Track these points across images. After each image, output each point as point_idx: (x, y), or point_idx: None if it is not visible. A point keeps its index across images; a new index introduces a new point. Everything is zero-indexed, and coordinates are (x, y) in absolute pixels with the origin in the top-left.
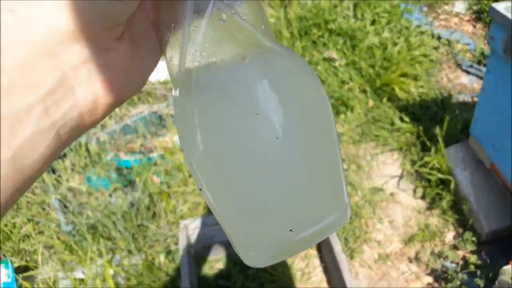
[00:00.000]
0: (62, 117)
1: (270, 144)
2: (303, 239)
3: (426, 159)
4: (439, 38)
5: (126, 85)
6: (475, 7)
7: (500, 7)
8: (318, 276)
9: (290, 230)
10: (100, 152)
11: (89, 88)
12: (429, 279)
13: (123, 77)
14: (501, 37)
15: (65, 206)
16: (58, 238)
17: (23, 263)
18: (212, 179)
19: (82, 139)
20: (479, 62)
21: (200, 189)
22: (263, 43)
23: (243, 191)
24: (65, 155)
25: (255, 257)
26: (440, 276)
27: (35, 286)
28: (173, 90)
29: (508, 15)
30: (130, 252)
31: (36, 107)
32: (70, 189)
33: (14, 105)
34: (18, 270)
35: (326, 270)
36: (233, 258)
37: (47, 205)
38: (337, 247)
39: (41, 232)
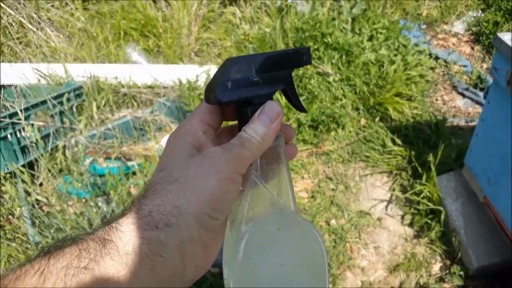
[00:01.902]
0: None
1: (280, 274)
2: None
3: (417, 186)
4: (436, 58)
5: (212, 260)
6: (474, 29)
7: (506, 37)
8: None
9: None
10: (77, 158)
11: (193, 270)
12: None
13: (213, 255)
14: (505, 68)
15: (35, 216)
16: (24, 252)
17: None
18: (240, 281)
19: (59, 143)
20: (475, 85)
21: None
22: (288, 213)
23: None
24: (39, 158)
25: None
26: None
27: None
28: (228, 224)
29: None
30: None
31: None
32: (39, 200)
33: (160, 276)
34: None
35: None
36: (209, 281)
37: (12, 215)
38: None
39: (6, 242)
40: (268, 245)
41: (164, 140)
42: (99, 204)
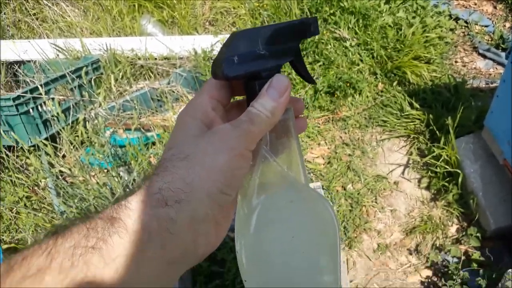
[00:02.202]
0: (184, 263)
1: (291, 246)
2: None
3: (435, 150)
4: (457, 19)
5: (223, 237)
6: None
7: None
8: None
9: None
10: (97, 130)
11: (203, 248)
12: (428, 273)
13: (224, 232)
14: None
15: (59, 187)
16: (50, 221)
17: (13, 245)
18: (252, 254)
19: (80, 115)
20: (497, 46)
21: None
22: (299, 186)
23: (270, 268)
24: (61, 131)
25: None
26: (440, 270)
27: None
28: (239, 199)
29: None
30: None
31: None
32: (62, 171)
33: (171, 254)
34: (7, 252)
35: None
36: (228, 245)
37: (37, 186)
38: None
39: (33, 212)
40: (279, 218)
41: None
42: (121, 174)
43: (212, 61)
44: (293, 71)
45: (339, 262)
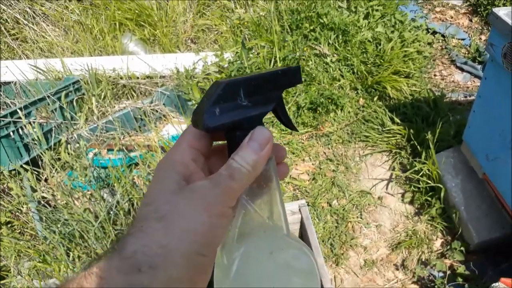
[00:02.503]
0: None
1: None
2: None
3: (417, 165)
4: (434, 32)
5: None
6: (472, 0)
7: (501, 12)
8: None
9: None
10: (79, 153)
11: None
12: None
13: None
14: (501, 44)
15: (41, 212)
16: (34, 246)
17: None
18: None
19: (62, 137)
20: (474, 59)
21: None
22: (280, 236)
23: None
24: (42, 154)
25: None
26: (426, 285)
27: None
28: (219, 247)
29: (509, 21)
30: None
31: None
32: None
33: None
34: None
35: None
36: None
37: (20, 212)
38: (320, 260)
39: (15, 237)
40: (259, 270)
41: (165, 129)
42: (104, 196)
43: (194, 79)
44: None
45: None
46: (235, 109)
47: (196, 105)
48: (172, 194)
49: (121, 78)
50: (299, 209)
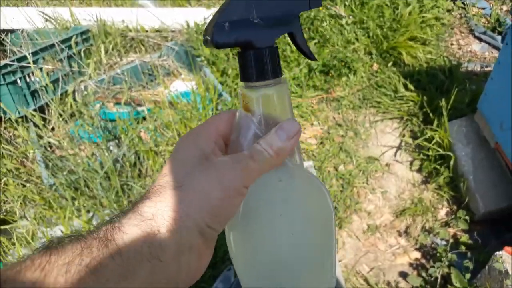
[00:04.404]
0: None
1: (284, 240)
2: None
3: (428, 132)
4: (454, 0)
5: (204, 269)
6: None
7: None
8: None
9: None
10: (86, 102)
11: (187, 276)
12: (417, 255)
13: (205, 265)
14: None
15: (48, 159)
16: (39, 193)
17: (1, 216)
18: (244, 254)
19: (69, 87)
20: (493, 29)
21: (232, 258)
22: (291, 165)
23: (262, 266)
24: (50, 102)
25: None
26: (428, 252)
27: (12, 240)
28: None
29: None
30: (112, 212)
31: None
32: (51, 143)
33: (158, 280)
34: None
35: None
36: None
37: (26, 158)
38: None
39: (22, 185)
40: (269, 199)
41: (173, 85)
42: (110, 148)
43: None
44: (287, 46)
45: (335, 254)
46: (246, 26)
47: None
48: (192, 167)
49: (130, 30)
50: None
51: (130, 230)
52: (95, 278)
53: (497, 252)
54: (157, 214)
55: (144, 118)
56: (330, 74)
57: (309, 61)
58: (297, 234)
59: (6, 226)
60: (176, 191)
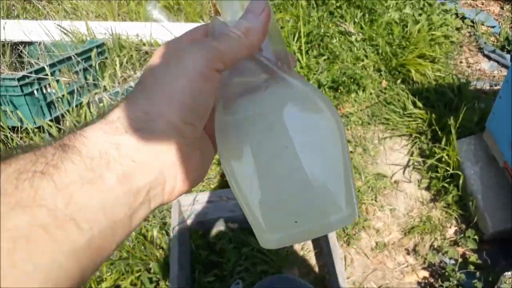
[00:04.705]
0: (152, 198)
1: (284, 150)
2: (306, 231)
3: (436, 150)
4: (463, 18)
5: (197, 178)
6: None
7: None
8: (311, 261)
9: (295, 222)
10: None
11: (173, 181)
12: (425, 274)
13: (196, 171)
14: None
15: None
16: None
17: None
18: (241, 174)
19: (84, 99)
20: (502, 48)
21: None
22: (282, 75)
23: (264, 184)
24: (66, 113)
25: (266, 240)
26: (437, 271)
27: None
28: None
29: None
30: None
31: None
32: None
33: (135, 184)
34: None
35: (319, 255)
36: (227, 235)
37: None
38: (333, 236)
39: None
40: (258, 110)
41: None
42: None
43: None
44: (297, 62)
45: (350, 177)
46: None
47: None
48: (157, 66)
49: (144, 44)
50: None
51: (92, 133)
52: (53, 184)
53: (506, 273)
54: (124, 116)
55: None
56: (339, 90)
57: (319, 76)
58: (291, 147)
59: None
60: (142, 93)
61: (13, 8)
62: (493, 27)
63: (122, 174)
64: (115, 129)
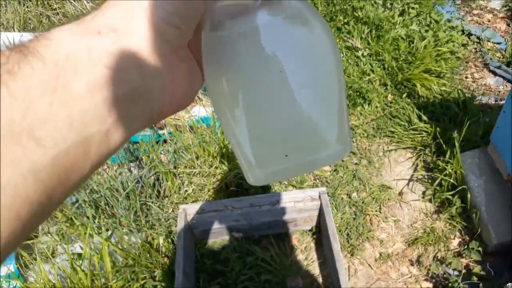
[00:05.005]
0: (137, 113)
1: (273, 76)
2: (297, 165)
3: (440, 163)
4: (469, 34)
5: (184, 99)
6: (511, 4)
7: None
8: (315, 271)
9: (286, 155)
10: None
11: (159, 96)
12: (429, 285)
13: (184, 93)
14: None
15: None
16: (61, 210)
17: None
18: (230, 104)
19: None
20: (508, 64)
21: (219, 114)
22: None
23: (252, 116)
24: None
25: (255, 176)
26: (440, 282)
27: (33, 255)
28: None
29: None
30: (130, 231)
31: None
32: None
33: (117, 92)
34: None
35: (323, 265)
36: (232, 245)
37: None
38: (336, 246)
39: None
40: (251, 31)
41: (194, 110)
42: (132, 169)
43: None
44: None
45: (344, 109)
46: None
47: None
48: None
49: None
50: (319, 196)
51: (58, 34)
52: (6, 92)
53: (509, 284)
54: (97, 15)
55: (165, 141)
56: None
57: None
58: (283, 77)
59: (28, 242)
60: None
61: (30, 21)
62: (499, 43)
63: (94, 81)
64: (87, 29)
